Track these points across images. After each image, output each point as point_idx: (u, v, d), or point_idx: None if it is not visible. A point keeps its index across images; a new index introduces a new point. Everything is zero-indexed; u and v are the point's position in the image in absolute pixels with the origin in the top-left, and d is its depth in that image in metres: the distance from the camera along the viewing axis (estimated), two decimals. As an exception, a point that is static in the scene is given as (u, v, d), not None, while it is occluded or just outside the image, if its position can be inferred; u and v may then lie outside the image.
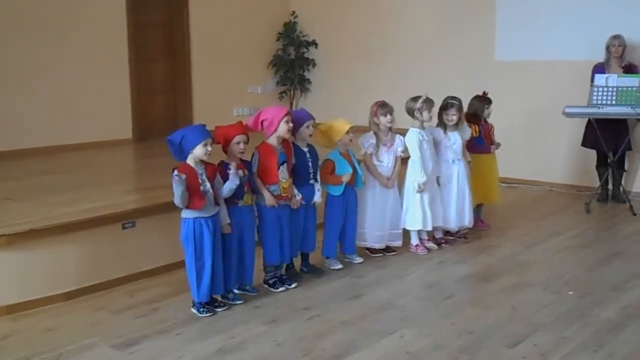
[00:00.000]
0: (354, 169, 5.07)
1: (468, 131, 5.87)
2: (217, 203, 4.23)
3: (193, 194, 4.08)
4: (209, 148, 4.13)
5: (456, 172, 5.72)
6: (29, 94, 7.48)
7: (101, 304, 4.47)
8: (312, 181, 4.87)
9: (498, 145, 6.17)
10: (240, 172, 4.36)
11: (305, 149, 4.86)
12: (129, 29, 8.36)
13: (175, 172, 4.05)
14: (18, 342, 3.89)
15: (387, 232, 5.39)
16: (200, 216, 4.14)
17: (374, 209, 5.32)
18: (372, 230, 5.34)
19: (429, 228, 5.53)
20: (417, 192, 5.40)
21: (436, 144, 5.65)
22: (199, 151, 4.11)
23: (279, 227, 4.64)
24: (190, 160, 4.15)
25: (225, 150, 4.39)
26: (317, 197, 4.89)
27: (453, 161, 5.72)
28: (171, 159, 4.24)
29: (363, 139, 5.30)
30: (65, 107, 7.80)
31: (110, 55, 8.18)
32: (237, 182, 4.27)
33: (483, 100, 6.09)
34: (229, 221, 4.33)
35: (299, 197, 4.72)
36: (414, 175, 5.43)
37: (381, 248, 5.42)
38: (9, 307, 4.28)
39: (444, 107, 5.69)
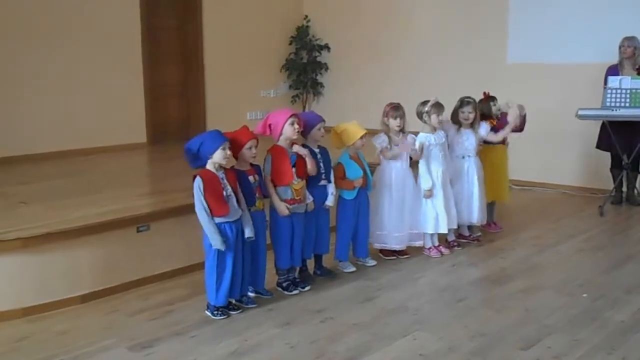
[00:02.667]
0: (365, 171, 5.09)
1: (484, 126, 5.81)
2: (241, 208, 4.26)
3: (216, 200, 4.11)
4: (228, 152, 4.15)
5: (465, 168, 5.74)
6: (42, 98, 7.55)
7: (116, 306, 4.50)
8: (323, 182, 4.87)
9: (522, 108, 6.05)
10: (252, 177, 4.39)
11: (317, 150, 4.87)
12: (142, 33, 8.41)
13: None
14: (34, 345, 3.93)
15: (406, 233, 5.39)
16: (224, 221, 4.15)
17: (391, 210, 5.33)
18: (392, 231, 5.34)
19: (445, 230, 5.53)
20: (425, 197, 5.42)
21: (448, 140, 5.65)
22: (218, 156, 4.13)
23: (291, 231, 4.64)
24: (210, 166, 4.17)
25: (235, 156, 4.40)
26: (330, 201, 4.90)
27: (463, 157, 5.73)
28: (185, 161, 4.26)
29: (375, 138, 5.30)
30: (80, 111, 7.86)
31: (124, 59, 8.24)
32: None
33: (486, 101, 6.08)
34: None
35: (309, 200, 4.73)
36: (422, 180, 5.46)
37: (396, 250, 5.41)
38: (25, 310, 4.32)
39: (460, 105, 5.71)
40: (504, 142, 6.09)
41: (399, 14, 9.28)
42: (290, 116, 4.56)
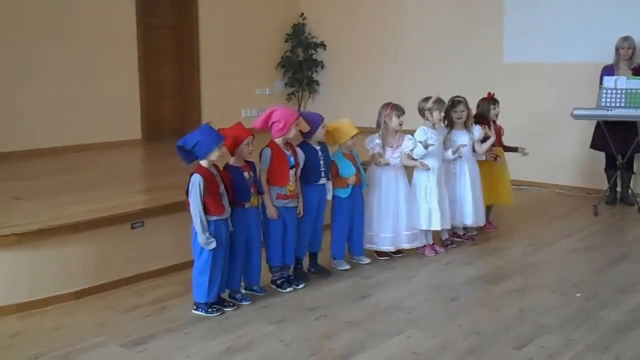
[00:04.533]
0: (358, 169, 5.08)
1: (478, 130, 5.83)
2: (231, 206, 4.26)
3: (214, 199, 4.10)
4: (223, 149, 4.16)
5: (457, 169, 5.73)
6: (39, 95, 7.53)
7: (110, 303, 4.49)
8: (323, 180, 4.87)
9: (521, 150, 6.26)
10: (247, 174, 4.38)
11: (317, 147, 4.87)
12: (138, 31, 8.40)
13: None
14: (27, 341, 3.92)
15: (400, 234, 5.35)
16: (218, 219, 4.15)
17: (380, 211, 5.31)
18: (379, 232, 5.33)
19: (437, 228, 5.52)
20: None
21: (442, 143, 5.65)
22: (215, 155, 4.14)
23: (283, 228, 4.64)
24: (205, 164, 4.16)
25: (231, 152, 4.39)
26: (329, 195, 4.95)
27: (455, 159, 5.71)
28: (180, 159, 4.24)
29: (368, 141, 5.28)
30: (75, 108, 7.85)
31: (119, 57, 8.23)
32: None
33: (489, 101, 6.09)
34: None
35: (300, 199, 4.74)
36: (422, 176, 5.44)
37: (390, 251, 5.40)
38: (18, 306, 4.31)
39: (452, 105, 5.70)
40: (495, 158, 6.08)
41: (395, 12, 9.28)
42: (297, 117, 4.58)
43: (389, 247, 5.36)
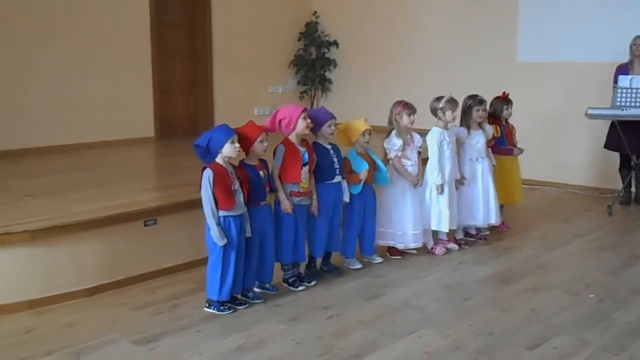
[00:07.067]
0: (372, 165, 5.06)
1: (490, 129, 5.85)
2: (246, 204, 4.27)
3: (225, 193, 4.11)
4: (237, 145, 4.16)
5: (480, 170, 5.71)
6: (52, 92, 7.57)
7: (122, 300, 4.51)
8: (338, 178, 4.85)
9: (521, 150, 6.13)
10: (262, 172, 4.39)
11: (328, 146, 4.86)
12: (152, 28, 8.42)
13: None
14: (39, 337, 3.94)
15: (410, 232, 5.34)
16: (229, 215, 4.15)
17: (397, 208, 5.29)
18: (397, 230, 5.30)
19: (446, 229, 5.51)
20: (437, 193, 5.39)
21: (459, 144, 5.63)
22: (227, 149, 4.13)
23: (295, 225, 4.64)
24: (219, 160, 4.17)
25: (246, 151, 4.39)
26: (346, 197, 4.92)
27: (477, 159, 5.70)
28: (193, 157, 4.27)
29: (389, 143, 5.25)
30: (88, 106, 7.88)
31: (133, 54, 8.25)
32: None
33: (502, 100, 6.07)
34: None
35: (314, 198, 4.73)
36: (434, 177, 5.43)
37: (401, 249, 5.40)
38: (31, 302, 4.33)
39: (475, 104, 5.67)
40: (512, 152, 6.09)
41: (409, 11, 9.26)
42: (303, 110, 4.57)
43: (403, 245, 5.35)
